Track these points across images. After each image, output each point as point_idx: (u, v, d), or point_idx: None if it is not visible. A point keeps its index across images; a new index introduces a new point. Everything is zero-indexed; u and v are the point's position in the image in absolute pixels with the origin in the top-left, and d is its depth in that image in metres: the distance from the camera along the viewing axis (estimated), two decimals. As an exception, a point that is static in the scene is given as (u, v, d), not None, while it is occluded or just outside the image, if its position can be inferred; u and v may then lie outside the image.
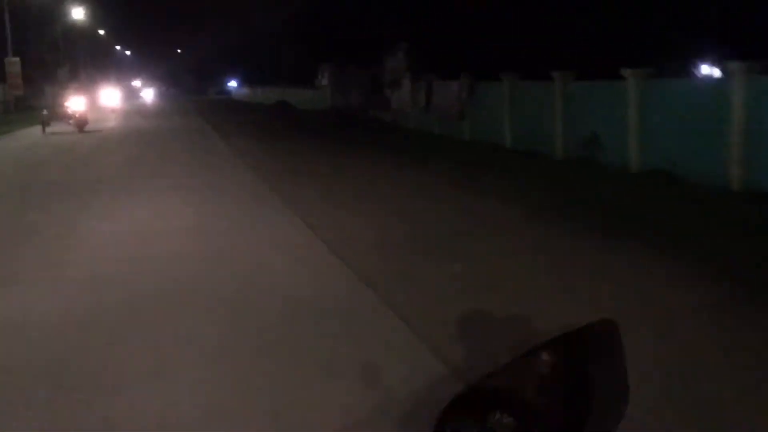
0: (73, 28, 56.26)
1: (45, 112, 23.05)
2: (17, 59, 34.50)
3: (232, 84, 78.58)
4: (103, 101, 37.75)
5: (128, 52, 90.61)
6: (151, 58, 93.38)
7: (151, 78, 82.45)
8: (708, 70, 18.94)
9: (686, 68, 17.58)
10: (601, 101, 12.08)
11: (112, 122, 27.55)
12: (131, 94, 64.18)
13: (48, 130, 21.69)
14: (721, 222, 7.09)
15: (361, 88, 28.93)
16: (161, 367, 3.71)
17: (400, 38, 24.94)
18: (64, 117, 22.43)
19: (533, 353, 0.83)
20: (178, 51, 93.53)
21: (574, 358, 0.84)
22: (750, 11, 15.66)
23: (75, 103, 22.61)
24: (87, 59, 64.96)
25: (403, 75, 22.84)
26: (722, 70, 12.13)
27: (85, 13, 54.22)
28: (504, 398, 0.80)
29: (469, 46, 21.61)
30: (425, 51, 22.63)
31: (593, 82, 12.51)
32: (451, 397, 0.79)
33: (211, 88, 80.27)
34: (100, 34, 67.60)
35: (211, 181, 10.85)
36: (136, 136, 21.12)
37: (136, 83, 70.49)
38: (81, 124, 21.98)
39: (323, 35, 34.69)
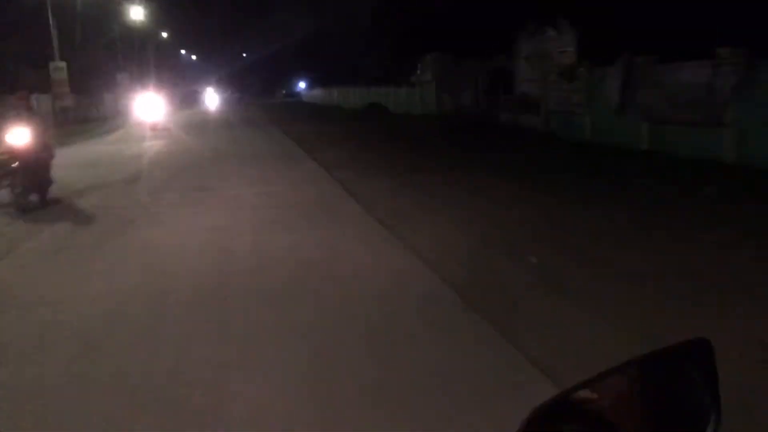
0: (132, 30, 52.34)
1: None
2: (63, 64, 29.54)
3: (302, 86, 73.29)
4: (139, 114, 24.38)
5: (194, 57, 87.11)
6: (216, 61, 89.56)
7: (215, 82, 78.38)
8: None
9: None
10: None
11: (141, 150, 16.79)
12: (192, 99, 59.80)
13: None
14: None
15: (482, 85, 22.11)
16: None
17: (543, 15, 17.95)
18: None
19: (621, 369, 0.79)
20: (243, 55, 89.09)
21: (662, 377, 0.81)
22: None
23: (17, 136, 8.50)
24: (150, 63, 61.13)
25: (569, 62, 15.89)
26: None
27: (146, 14, 49.98)
28: (586, 412, 0.76)
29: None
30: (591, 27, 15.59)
31: None
32: (537, 405, 0.73)
33: (279, 90, 75.28)
34: (163, 37, 63.71)
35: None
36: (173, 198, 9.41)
37: (198, 88, 66.27)
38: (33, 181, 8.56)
39: (423, 23, 27.85)
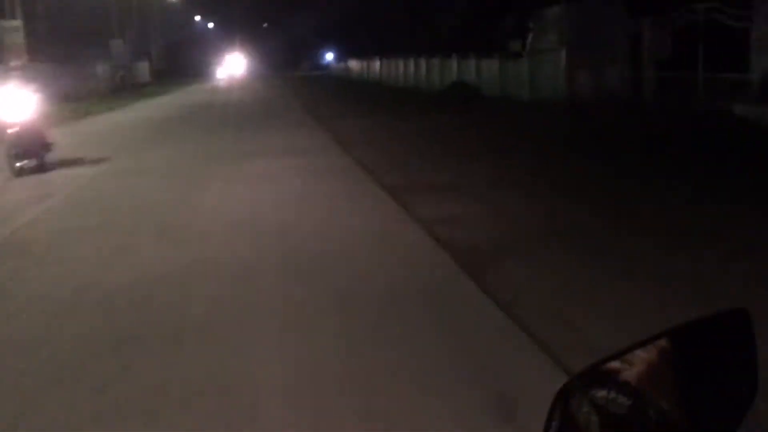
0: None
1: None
2: (18, 23, 21.23)
3: (329, 57, 64.26)
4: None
5: (210, 24, 78.23)
6: (234, 29, 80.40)
7: (230, 52, 69.55)
8: None
9: None
10: None
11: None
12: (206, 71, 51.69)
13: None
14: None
15: (656, 51, 13.40)
16: None
17: None
18: None
19: (656, 340, 0.77)
20: (264, 25, 79.52)
21: (697, 348, 0.79)
22: None
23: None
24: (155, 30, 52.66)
25: None
26: None
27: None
28: (620, 382, 0.75)
29: None
30: None
31: None
32: (567, 379, 0.73)
33: (305, 62, 66.12)
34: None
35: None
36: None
37: (212, 59, 57.75)
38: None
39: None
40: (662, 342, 0.78)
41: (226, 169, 9.42)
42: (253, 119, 17.23)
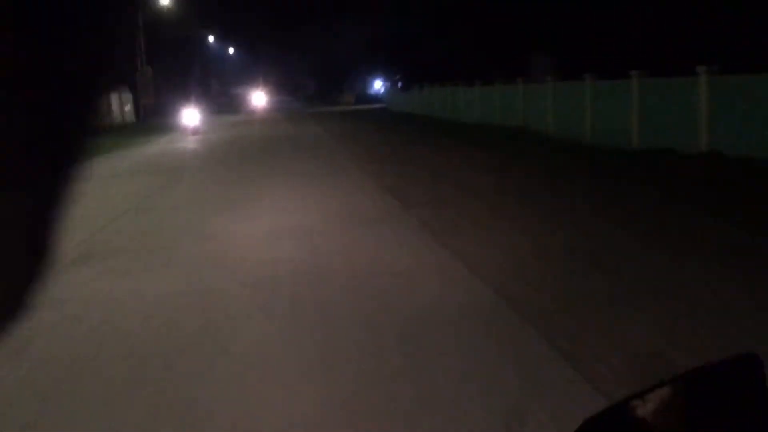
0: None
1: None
2: None
3: (377, 86, 52.58)
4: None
5: (231, 50, 67.52)
6: (261, 57, 69.27)
7: (257, 83, 58.35)
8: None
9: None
10: None
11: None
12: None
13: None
14: None
15: None
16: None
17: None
18: None
19: (669, 384, 0.78)
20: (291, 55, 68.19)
21: (709, 394, 0.80)
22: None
23: None
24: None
25: None
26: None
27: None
28: (635, 425, 0.76)
29: None
30: None
31: None
32: (586, 417, 0.74)
33: (346, 91, 54.20)
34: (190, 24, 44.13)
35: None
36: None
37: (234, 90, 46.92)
38: None
39: None
40: (673, 389, 0.78)
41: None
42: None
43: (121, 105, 32.91)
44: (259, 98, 52.64)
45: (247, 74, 66.51)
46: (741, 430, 0.79)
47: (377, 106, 44.37)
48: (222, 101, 53.32)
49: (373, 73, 52.26)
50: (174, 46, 40.86)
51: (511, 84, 19.89)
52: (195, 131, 24.12)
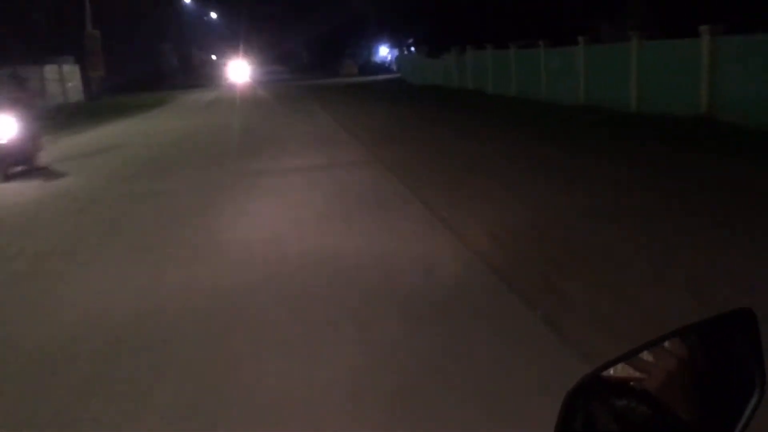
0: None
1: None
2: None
3: (384, 53, 44.58)
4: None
5: (214, 14, 59.01)
6: (244, 21, 60.54)
7: (240, 50, 50.08)
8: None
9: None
10: None
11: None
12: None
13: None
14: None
15: None
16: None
17: None
18: None
19: (659, 342, 0.78)
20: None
21: (704, 349, 0.80)
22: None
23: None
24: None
25: None
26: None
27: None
28: (627, 385, 0.77)
29: None
30: None
31: None
32: (577, 380, 0.72)
33: (348, 59, 45.72)
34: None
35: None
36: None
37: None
38: None
39: None
40: (671, 345, 0.77)
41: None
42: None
43: (62, 81, 25.19)
44: (239, 70, 44.31)
45: (234, 42, 58.13)
46: (736, 381, 0.78)
47: (388, 76, 36.64)
48: (201, 74, 45.37)
49: (378, 37, 43.98)
50: (136, 5, 32.78)
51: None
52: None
